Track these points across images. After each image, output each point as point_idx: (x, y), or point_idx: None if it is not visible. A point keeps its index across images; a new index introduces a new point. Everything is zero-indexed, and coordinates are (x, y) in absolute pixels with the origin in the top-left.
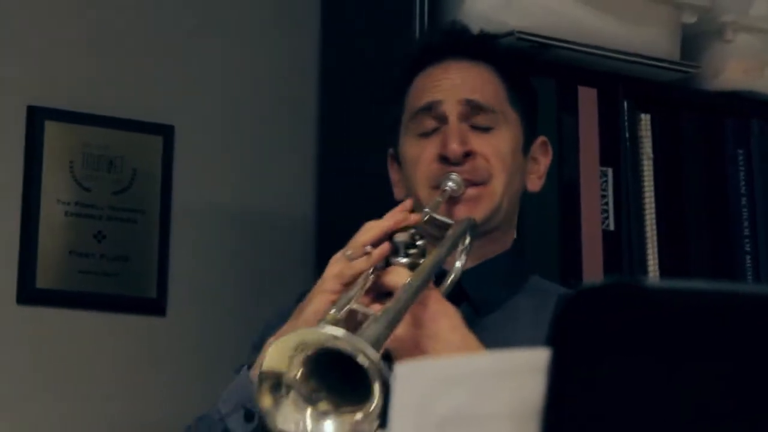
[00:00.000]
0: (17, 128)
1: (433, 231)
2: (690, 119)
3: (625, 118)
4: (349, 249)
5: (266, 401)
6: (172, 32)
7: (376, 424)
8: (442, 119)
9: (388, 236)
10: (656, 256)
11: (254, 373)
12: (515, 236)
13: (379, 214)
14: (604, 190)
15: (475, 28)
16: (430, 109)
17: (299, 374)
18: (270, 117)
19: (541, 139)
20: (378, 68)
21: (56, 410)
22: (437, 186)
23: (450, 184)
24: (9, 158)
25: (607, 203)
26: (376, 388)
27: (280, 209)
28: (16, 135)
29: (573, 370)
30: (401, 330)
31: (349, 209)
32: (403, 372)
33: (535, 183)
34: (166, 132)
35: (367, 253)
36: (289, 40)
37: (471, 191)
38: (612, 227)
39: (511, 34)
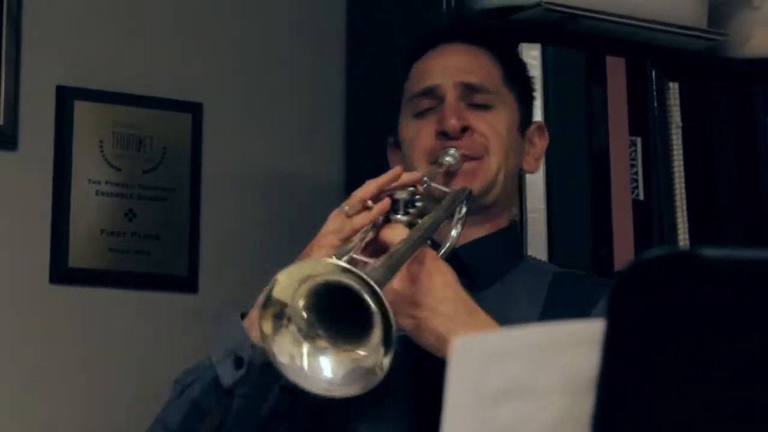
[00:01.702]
0: (47, 108)
1: (431, 201)
2: (718, 87)
3: (654, 87)
4: (348, 204)
5: (267, 326)
6: (198, 10)
7: (381, 352)
8: (440, 99)
9: (389, 194)
10: (686, 225)
11: (252, 313)
12: (514, 215)
13: None
14: (633, 159)
15: (502, 1)
16: (427, 92)
17: (301, 306)
18: (298, 92)
19: (538, 123)
20: (405, 37)
21: (89, 388)
22: (435, 161)
23: (447, 158)
24: (39, 139)
25: (636, 173)
26: (378, 322)
27: (310, 185)
28: (46, 115)
29: (629, 342)
30: (397, 284)
31: None
32: (459, 345)
33: (531, 164)
34: (194, 109)
35: (368, 208)
36: (316, 13)
37: (468, 165)
38: (642, 197)
39: (538, 5)
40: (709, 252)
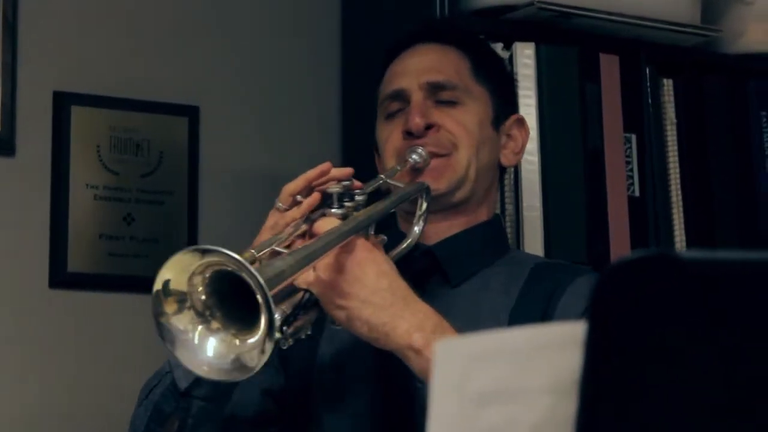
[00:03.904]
0: (44, 114)
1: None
2: (712, 83)
3: (648, 83)
4: (279, 200)
5: (170, 307)
6: (194, 13)
7: (259, 348)
8: (407, 101)
9: (320, 189)
10: (682, 220)
11: None
12: (493, 210)
13: None
14: (628, 156)
15: (495, 0)
16: (395, 96)
17: (199, 292)
18: (294, 94)
19: (516, 116)
20: None
21: (89, 392)
22: (404, 160)
23: (414, 156)
24: (37, 144)
25: (631, 169)
26: (263, 317)
27: None
28: (43, 121)
29: (610, 343)
30: (325, 274)
31: None
32: (442, 348)
33: (509, 158)
34: (191, 113)
35: (298, 203)
36: (312, 16)
37: (435, 162)
38: (637, 193)
39: (531, 4)
40: (685, 253)
